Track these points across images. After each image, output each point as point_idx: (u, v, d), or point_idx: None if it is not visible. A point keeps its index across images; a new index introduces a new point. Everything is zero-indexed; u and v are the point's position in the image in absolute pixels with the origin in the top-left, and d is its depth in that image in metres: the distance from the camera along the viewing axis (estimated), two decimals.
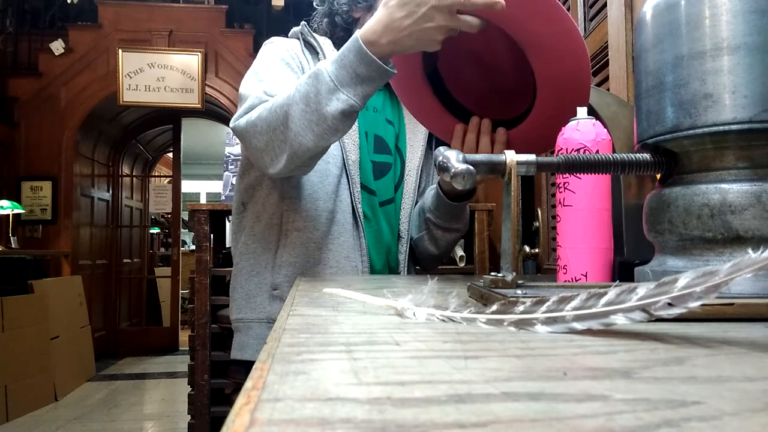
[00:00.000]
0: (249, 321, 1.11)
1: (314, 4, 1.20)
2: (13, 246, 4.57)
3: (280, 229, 1.07)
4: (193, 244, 2.13)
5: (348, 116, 0.85)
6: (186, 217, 2.76)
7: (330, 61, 0.86)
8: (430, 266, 1.26)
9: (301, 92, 0.86)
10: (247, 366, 1.11)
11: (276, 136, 0.89)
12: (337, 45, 1.15)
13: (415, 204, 1.22)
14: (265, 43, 1.13)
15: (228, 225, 2.27)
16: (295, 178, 1.05)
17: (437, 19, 0.76)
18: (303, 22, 1.16)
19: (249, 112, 0.94)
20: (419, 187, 1.22)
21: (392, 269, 1.17)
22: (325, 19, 1.17)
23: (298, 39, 1.15)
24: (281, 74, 1.03)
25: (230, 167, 2.73)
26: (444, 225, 1.15)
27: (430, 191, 1.17)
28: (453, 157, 0.52)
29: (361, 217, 1.09)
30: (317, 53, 1.12)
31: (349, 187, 1.09)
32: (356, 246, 1.09)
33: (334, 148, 1.07)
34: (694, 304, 0.31)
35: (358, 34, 0.83)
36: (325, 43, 1.15)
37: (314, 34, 1.14)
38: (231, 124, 0.97)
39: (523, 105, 0.91)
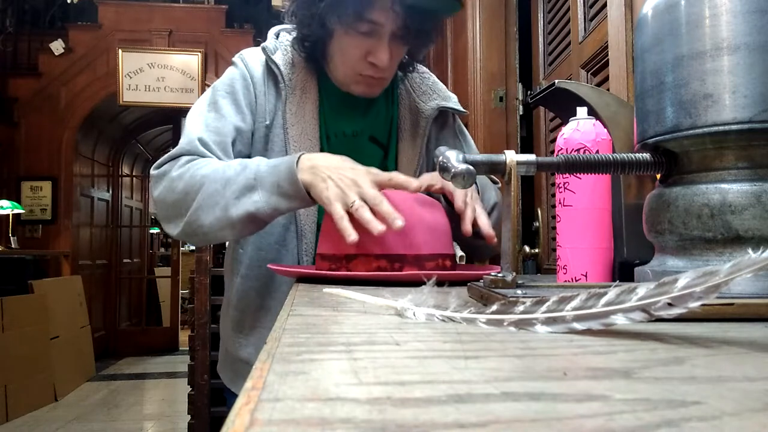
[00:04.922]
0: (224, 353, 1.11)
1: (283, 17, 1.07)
2: (13, 246, 4.57)
3: (232, 269, 1.05)
4: None
5: (252, 221, 0.85)
6: None
7: (266, 161, 0.87)
8: None
9: (226, 175, 0.85)
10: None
11: (186, 202, 0.87)
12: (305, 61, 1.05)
13: None
14: (233, 58, 1.05)
15: None
16: None
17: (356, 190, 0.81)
18: (263, 45, 1.04)
19: (173, 161, 0.91)
20: None
21: None
22: (293, 34, 1.06)
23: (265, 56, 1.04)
24: (225, 113, 0.97)
25: None
26: None
27: None
28: (453, 157, 0.51)
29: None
30: (278, 80, 1.02)
31: (297, 237, 1.00)
32: None
33: None
34: (694, 304, 0.31)
35: (301, 155, 0.85)
36: (286, 64, 1.03)
37: (275, 60, 1.02)
38: (152, 170, 0.92)
39: None
